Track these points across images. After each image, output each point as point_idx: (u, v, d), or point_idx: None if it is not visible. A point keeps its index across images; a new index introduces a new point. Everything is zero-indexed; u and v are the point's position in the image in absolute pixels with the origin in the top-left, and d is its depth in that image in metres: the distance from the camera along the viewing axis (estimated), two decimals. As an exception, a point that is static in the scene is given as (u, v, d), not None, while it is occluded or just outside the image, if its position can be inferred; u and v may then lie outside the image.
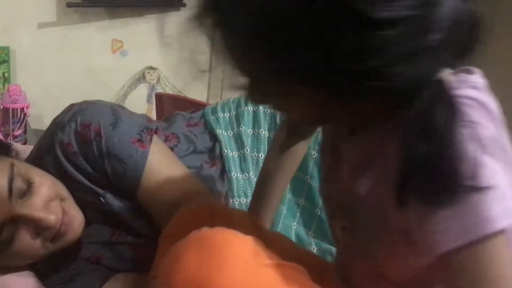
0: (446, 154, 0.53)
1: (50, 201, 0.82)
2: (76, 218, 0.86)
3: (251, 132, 1.10)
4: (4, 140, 1.43)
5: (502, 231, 0.51)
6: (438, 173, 0.53)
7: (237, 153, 1.07)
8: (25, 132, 1.58)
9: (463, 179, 0.52)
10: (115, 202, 0.91)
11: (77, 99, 0.96)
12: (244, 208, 1.02)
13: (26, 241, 0.80)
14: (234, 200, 1.02)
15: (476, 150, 0.53)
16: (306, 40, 0.50)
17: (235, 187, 1.03)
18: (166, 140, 1.01)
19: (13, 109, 1.55)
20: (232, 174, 1.03)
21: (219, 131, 1.08)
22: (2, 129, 1.56)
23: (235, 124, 1.10)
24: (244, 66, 0.55)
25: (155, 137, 0.93)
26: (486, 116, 0.56)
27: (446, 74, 0.55)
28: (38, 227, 0.79)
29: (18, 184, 0.79)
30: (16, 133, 1.56)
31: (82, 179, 0.89)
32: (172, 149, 0.99)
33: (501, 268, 0.52)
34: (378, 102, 0.56)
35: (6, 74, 1.77)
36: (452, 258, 0.53)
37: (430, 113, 0.53)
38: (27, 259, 0.84)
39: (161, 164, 0.91)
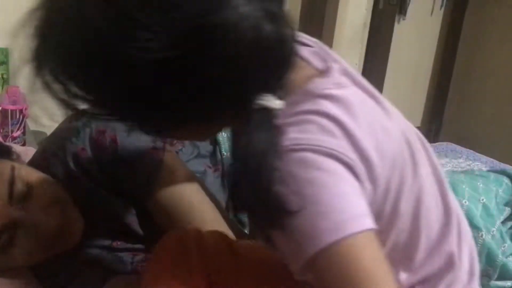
0: (266, 180, 0.53)
1: (50, 205, 0.81)
2: (76, 223, 0.85)
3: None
4: (3, 141, 1.42)
5: (336, 243, 0.52)
6: (260, 198, 0.54)
7: (236, 155, 1.07)
8: (24, 133, 1.57)
9: (284, 203, 0.53)
10: (123, 208, 0.91)
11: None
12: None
13: (25, 245, 0.79)
14: (234, 202, 1.02)
15: (299, 172, 0.53)
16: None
17: (234, 189, 1.02)
18: (170, 144, 1.00)
19: (12, 111, 1.54)
20: (232, 177, 1.03)
21: (219, 133, 1.07)
22: (1, 130, 1.56)
23: None
24: None
25: (167, 146, 0.93)
26: (325, 128, 0.55)
27: (273, 99, 0.55)
28: (37, 231, 0.79)
29: (18, 187, 0.79)
30: (15, 134, 1.55)
31: (90, 184, 0.89)
32: (176, 153, 0.99)
33: (346, 278, 0.52)
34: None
35: (5, 76, 1.77)
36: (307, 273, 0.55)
37: (250, 143, 0.54)
38: (26, 263, 0.84)
39: (174, 174, 0.90)
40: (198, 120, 0.56)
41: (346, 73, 0.63)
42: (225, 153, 1.05)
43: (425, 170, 0.68)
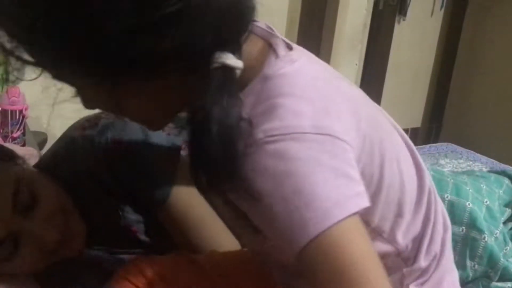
0: (233, 142, 0.52)
1: (53, 215, 0.81)
2: (79, 232, 0.85)
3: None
4: (3, 142, 1.42)
5: (324, 232, 0.51)
6: (230, 164, 0.52)
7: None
8: (23, 133, 1.57)
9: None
10: (132, 216, 0.91)
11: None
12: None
13: (27, 254, 0.79)
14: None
15: (276, 165, 0.52)
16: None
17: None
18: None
19: (12, 111, 1.54)
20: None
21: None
22: (1, 131, 1.55)
23: None
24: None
25: (182, 156, 0.93)
26: (293, 109, 0.54)
27: (232, 57, 0.53)
28: (40, 241, 0.79)
29: (23, 197, 0.78)
30: (15, 134, 1.55)
31: (101, 192, 0.88)
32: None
33: (336, 266, 0.52)
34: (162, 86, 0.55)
35: (5, 76, 1.77)
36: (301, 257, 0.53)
37: (213, 104, 0.52)
38: (28, 270, 0.84)
39: (187, 182, 0.90)
40: (148, 73, 0.52)
41: (295, 46, 0.62)
42: None
43: (390, 127, 0.69)
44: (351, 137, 0.56)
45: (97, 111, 0.67)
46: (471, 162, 1.80)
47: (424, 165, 0.73)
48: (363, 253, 0.53)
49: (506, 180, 1.14)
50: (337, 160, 0.54)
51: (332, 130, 0.54)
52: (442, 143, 2.02)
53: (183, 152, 0.98)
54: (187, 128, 0.55)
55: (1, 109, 1.53)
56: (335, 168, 0.53)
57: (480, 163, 1.78)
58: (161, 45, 0.50)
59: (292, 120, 0.53)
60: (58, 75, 0.56)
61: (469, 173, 1.23)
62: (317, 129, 0.53)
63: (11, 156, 0.88)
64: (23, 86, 1.75)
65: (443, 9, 2.93)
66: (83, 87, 0.58)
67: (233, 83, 0.54)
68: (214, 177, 0.54)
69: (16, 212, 0.77)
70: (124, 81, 0.53)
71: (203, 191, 0.61)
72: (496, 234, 0.96)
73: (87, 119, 0.91)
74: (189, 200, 0.89)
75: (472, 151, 1.89)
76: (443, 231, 0.74)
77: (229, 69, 0.53)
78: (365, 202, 0.55)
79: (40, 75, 0.56)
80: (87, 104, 0.60)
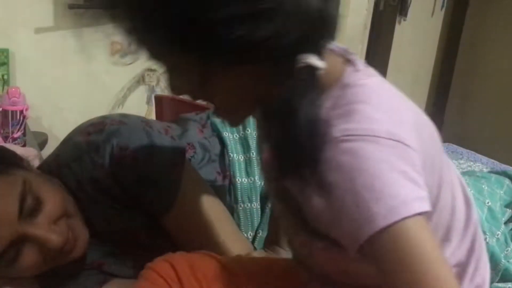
0: (318, 132, 0.57)
1: (57, 220, 0.81)
2: (82, 237, 0.85)
3: (257, 134, 1.08)
4: (4, 142, 1.42)
5: (390, 226, 0.54)
6: (306, 155, 0.57)
7: (242, 157, 1.06)
8: (24, 134, 1.57)
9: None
10: (135, 221, 0.90)
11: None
12: (248, 213, 1.01)
13: (31, 258, 0.79)
14: (239, 206, 1.01)
15: (350, 161, 0.56)
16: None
17: (239, 192, 1.01)
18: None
19: (12, 111, 1.54)
20: (237, 179, 1.02)
21: (226, 133, 1.07)
22: (2, 131, 1.55)
23: (240, 126, 1.08)
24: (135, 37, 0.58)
25: (186, 161, 0.93)
26: (369, 115, 0.59)
27: (315, 59, 0.58)
28: (43, 247, 0.79)
29: (29, 203, 0.78)
30: (16, 135, 1.55)
31: (104, 196, 0.88)
32: (189, 160, 0.98)
33: (401, 258, 0.54)
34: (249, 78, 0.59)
35: (5, 76, 1.77)
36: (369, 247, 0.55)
37: (299, 99, 0.57)
38: (30, 274, 0.84)
39: (192, 188, 0.90)
40: (238, 58, 0.56)
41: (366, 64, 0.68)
42: (231, 155, 1.04)
43: (444, 152, 0.73)
44: (417, 149, 0.60)
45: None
46: (471, 163, 1.79)
47: (472, 198, 0.76)
48: (428, 249, 0.55)
49: (507, 181, 1.14)
50: (406, 165, 0.57)
51: (403, 138, 0.58)
52: (443, 144, 2.02)
53: (187, 155, 0.98)
54: (272, 120, 0.61)
55: (2, 109, 1.53)
56: (404, 171, 0.57)
57: (481, 164, 1.77)
58: (256, 34, 0.54)
59: (368, 124, 0.58)
60: (157, 54, 0.60)
61: (470, 173, 1.23)
62: (390, 135, 0.57)
63: (17, 159, 0.87)
64: (23, 87, 1.75)
65: (443, 9, 2.93)
66: (176, 68, 0.61)
67: (316, 81, 0.59)
68: (298, 164, 0.59)
69: (21, 218, 0.77)
70: (216, 64, 0.57)
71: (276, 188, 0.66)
72: (497, 235, 0.95)
73: (91, 123, 0.91)
74: (194, 205, 0.89)
75: (472, 152, 1.88)
76: (484, 269, 0.76)
77: (313, 69, 0.58)
78: (427, 206, 0.57)
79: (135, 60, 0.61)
80: (174, 89, 0.64)
